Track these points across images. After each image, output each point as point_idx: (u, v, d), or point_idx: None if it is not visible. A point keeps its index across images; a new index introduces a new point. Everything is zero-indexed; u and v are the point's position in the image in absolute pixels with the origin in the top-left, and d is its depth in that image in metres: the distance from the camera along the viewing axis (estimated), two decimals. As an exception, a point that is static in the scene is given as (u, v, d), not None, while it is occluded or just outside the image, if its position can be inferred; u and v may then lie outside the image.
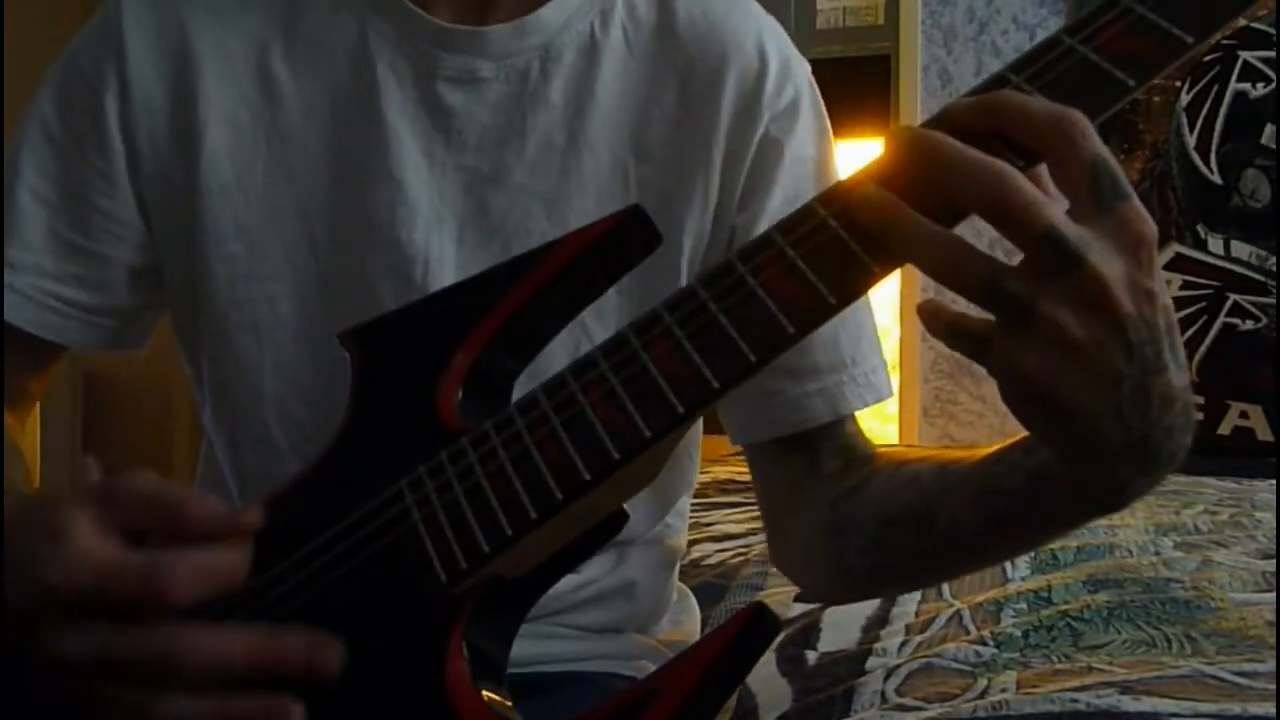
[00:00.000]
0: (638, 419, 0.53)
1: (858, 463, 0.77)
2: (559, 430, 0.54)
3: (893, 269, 0.51)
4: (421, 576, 0.55)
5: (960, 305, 0.50)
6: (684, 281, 0.78)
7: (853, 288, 0.51)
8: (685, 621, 0.94)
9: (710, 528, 1.74)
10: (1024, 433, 0.55)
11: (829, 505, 0.74)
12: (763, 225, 0.78)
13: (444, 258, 0.76)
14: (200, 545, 0.52)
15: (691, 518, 0.96)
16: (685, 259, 0.79)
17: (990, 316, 0.49)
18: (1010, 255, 0.49)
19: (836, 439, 0.78)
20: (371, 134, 0.76)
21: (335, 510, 0.58)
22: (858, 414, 0.81)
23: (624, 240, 0.61)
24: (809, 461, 0.78)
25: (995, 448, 0.61)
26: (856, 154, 2.33)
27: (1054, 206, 0.47)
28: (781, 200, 0.79)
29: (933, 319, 0.51)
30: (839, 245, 0.51)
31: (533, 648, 0.71)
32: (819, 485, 0.77)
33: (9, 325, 0.77)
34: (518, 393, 0.60)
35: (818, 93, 0.83)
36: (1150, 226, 0.48)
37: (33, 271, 0.77)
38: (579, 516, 0.55)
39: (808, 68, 0.84)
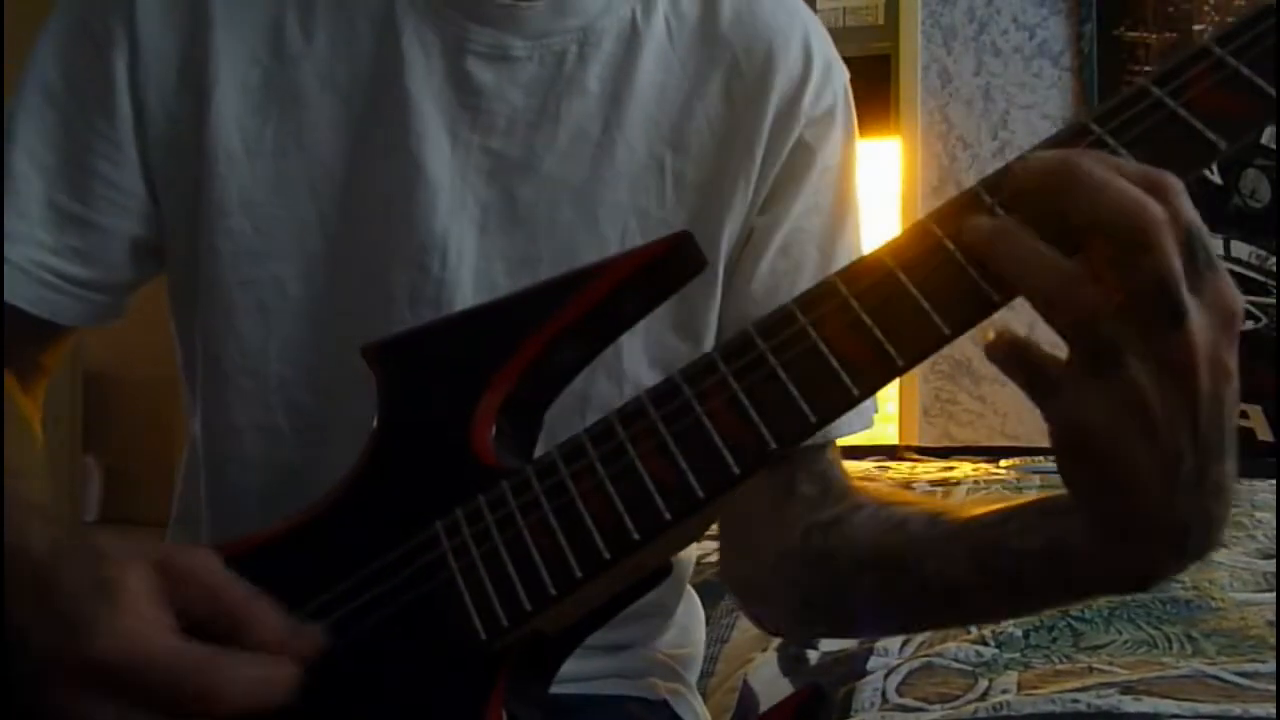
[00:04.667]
0: (691, 478, 0.50)
1: (834, 493, 0.74)
2: (607, 484, 0.51)
3: (963, 331, 0.48)
4: (460, 631, 0.52)
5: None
6: (720, 286, 0.76)
7: (920, 349, 0.49)
8: (692, 629, 0.91)
9: (711, 527, 1.73)
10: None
11: (802, 534, 0.71)
12: (783, 229, 0.76)
13: (463, 248, 0.72)
14: (256, 654, 0.49)
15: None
16: (723, 261, 0.76)
17: (1060, 356, 0.47)
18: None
19: (814, 464, 0.75)
20: (392, 107, 0.72)
21: (366, 549, 0.55)
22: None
23: (670, 266, 0.58)
24: (784, 484, 0.75)
25: (1000, 506, 0.59)
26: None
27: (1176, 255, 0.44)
28: (803, 208, 0.76)
29: (997, 339, 0.48)
30: (907, 301, 0.48)
31: None
32: (792, 509, 0.73)
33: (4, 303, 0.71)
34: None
35: (851, 98, 0.81)
36: (1239, 303, 0.46)
37: (27, 243, 0.71)
38: (625, 573, 0.53)
39: (847, 73, 0.81)
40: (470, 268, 0.72)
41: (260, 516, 0.61)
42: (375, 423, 0.61)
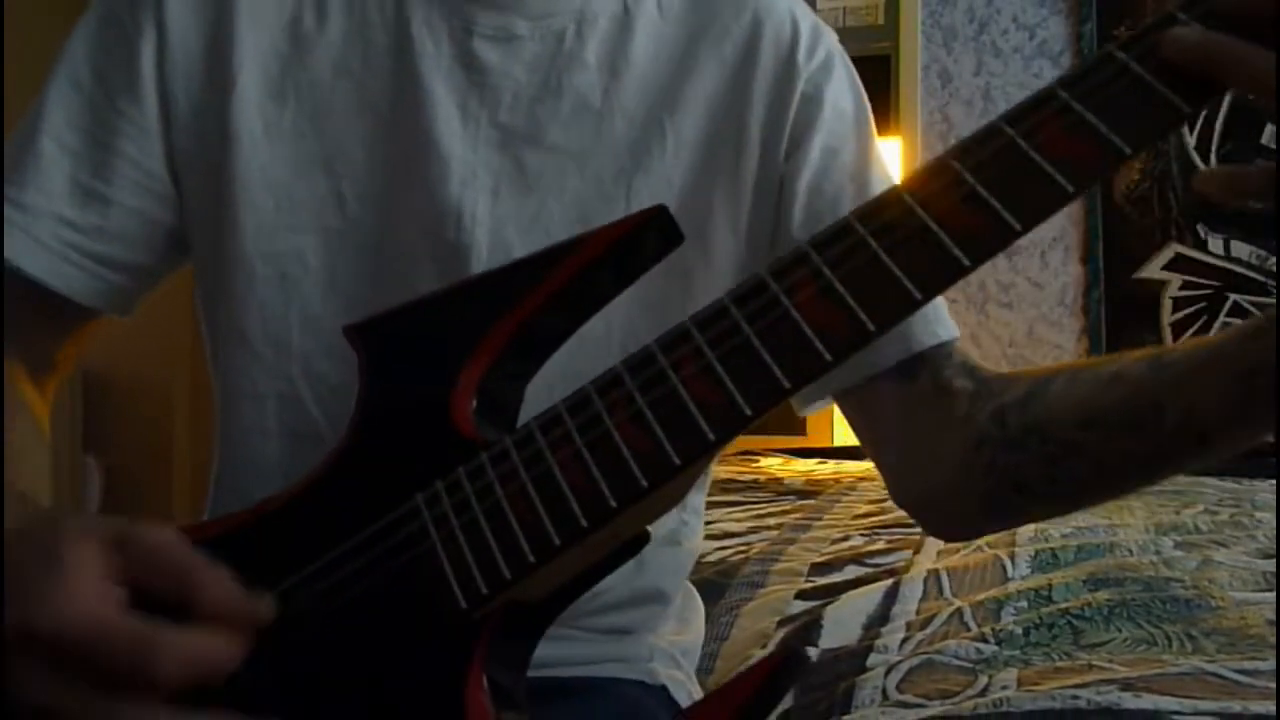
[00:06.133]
0: (667, 445, 0.51)
1: (992, 381, 0.74)
2: (584, 452, 0.52)
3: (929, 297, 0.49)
4: (440, 600, 0.53)
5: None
6: (716, 249, 0.79)
7: (890, 314, 0.49)
8: (691, 620, 0.93)
9: (710, 525, 1.74)
10: None
11: (993, 420, 0.71)
12: (808, 169, 0.79)
13: (478, 213, 0.76)
14: (200, 626, 0.49)
15: (693, 516, 0.96)
16: (714, 229, 0.79)
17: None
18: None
19: (953, 359, 0.76)
20: (404, 89, 0.77)
21: (348, 522, 0.56)
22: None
23: (646, 241, 0.59)
24: (935, 384, 0.76)
25: (1230, 332, 0.59)
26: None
27: None
28: (822, 146, 0.79)
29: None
30: (877, 267, 0.49)
31: (543, 650, 0.71)
32: (959, 406, 0.74)
33: (21, 278, 0.74)
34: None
35: (845, 54, 0.85)
36: None
37: (49, 217, 0.75)
38: (603, 540, 0.54)
39: (834, 34, 0.85)
40: (486, 230, 0.76)
41: (280, 485, 0.62)
42: (357, 400, 0.62)
